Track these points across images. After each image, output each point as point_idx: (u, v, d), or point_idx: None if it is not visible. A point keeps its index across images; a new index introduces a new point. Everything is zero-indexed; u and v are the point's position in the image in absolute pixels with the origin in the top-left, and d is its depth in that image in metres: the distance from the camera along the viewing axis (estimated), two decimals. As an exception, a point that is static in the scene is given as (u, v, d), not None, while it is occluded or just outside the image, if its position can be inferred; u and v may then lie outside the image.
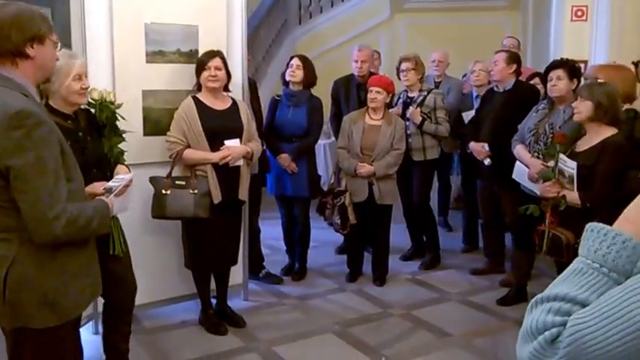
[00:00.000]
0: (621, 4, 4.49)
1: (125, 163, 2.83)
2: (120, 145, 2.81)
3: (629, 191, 3.02)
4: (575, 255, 2.64)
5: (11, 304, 1.76)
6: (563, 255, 3.00)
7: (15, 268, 1.75)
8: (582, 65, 4.34)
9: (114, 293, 2.66)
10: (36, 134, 1.67)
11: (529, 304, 0.81)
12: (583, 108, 2.99)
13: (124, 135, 2.85)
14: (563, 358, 0.71)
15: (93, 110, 2.79)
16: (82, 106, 2.72)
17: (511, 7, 8.03)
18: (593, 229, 0.81)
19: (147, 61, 3.41)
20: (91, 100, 2.79)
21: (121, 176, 2.47)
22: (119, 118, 2.83)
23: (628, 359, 0.67)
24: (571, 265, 0.80)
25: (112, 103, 2.82)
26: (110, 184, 2.28)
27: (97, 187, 2.28)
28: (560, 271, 2.86)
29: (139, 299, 3.49)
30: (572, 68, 3.60)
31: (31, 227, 1.71)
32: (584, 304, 0.73)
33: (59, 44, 1.91)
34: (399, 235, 5.07)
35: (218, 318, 3.59)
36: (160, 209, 3.27)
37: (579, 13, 5.00)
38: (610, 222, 2.69)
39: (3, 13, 1.73)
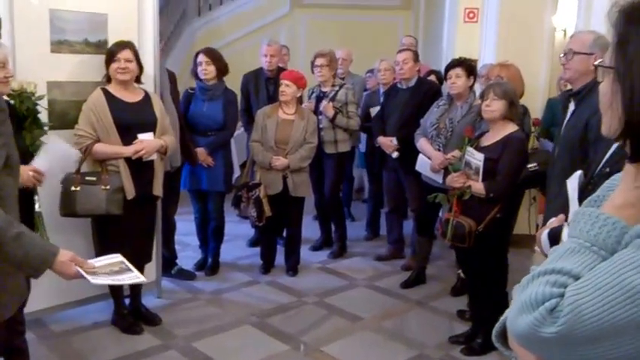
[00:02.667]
0: (509, 8, 4.86)
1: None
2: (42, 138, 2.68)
3: (521, 181, 3.35)
4: (477, 241, 2.86)
5: None
6: (466, 241, 3.21)
7: None
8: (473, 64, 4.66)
9: None
10: None
11: (523, 279, 0.87)
12: (497, 106, 3.18)
13: (45, 128, 2.71)
14: (562, 326, 0.77)
15: (12, 101, 2.63)
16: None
17: (404, 7, 8.41)
18: (584, 213, 0.87)
19: (52, 51, 3.23)
20: (10, 91, 2.63)
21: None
22: (39, 110, 2.69)
23: (619, 325, 0.75)
24: (564, 245, 0.87)
25: (34, 94, 2.67)
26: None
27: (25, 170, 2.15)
28: (458, 255, 3.11)
29: (46, 302, 3.35)
30: (469, 67, 3.87)
31: None
32: (577, 277, 0.81)
33: None
34: (308, 226, 5.20)
35: (133, 317, 3.50)
36: (69, 207, 3.13)
37: (471, 15, 5.35)
38: (508, 209, 2.95)
39: None
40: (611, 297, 0.75)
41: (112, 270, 1.84)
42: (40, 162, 2.61)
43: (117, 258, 1.91)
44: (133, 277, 1.88)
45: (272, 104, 4.40)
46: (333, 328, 3.64)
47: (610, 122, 0.89)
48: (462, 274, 4.03)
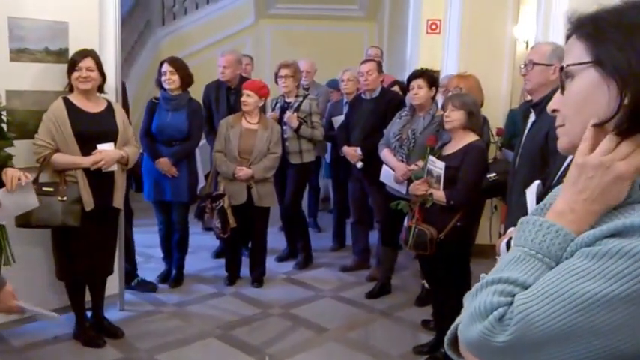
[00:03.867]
0: (471, 19, 4.94)
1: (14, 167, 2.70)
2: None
3: (482, 190, 3.41)
4: (438, 249, 2.90)
5: None
6: (427, 248, 3.25)
7: None
8: (435, 74, 4.74)
9: None
10: None
11: (473, 288, 0.88)
12: (456, 117, 3.24)
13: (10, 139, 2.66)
14: (512, 334, 0.79)
15: None
16: None
17: (368, 18, 8.51)
18: (528, 221, 0.89)
19: (10, 59, 3.16)
20: None
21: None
22: (4, 120, 2.63)
23: (568, 332, 0.77)
24: (508, 254, 0.89)
25: None
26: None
27: None
28: (422, 265, 3.14)
29: (5, 316, 3.24)
30: (431, 77, 3.91)
31: None
32: (524, 286, 0.82)
33: None
34: (273, 237, 5.18)
35: (95, 330, 3.43)
36: (24, 217, 3.04)
37: (433, 27, 5.44)
38: (469, 218, 3.00)
39: None
40: (559, 305, 0.77)
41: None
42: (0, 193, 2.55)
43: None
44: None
45: (235, 114, 4.38)
46: (299, 340, 3.62)
47: (573, 131, 0.90)
48: (426, 284, 4.07)
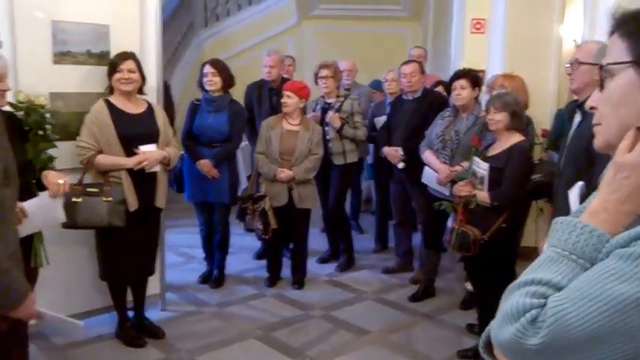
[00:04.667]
0: (516, 18, 4.83)
1: (55, 169, 2.73)
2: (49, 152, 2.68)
3: (527, 192, 3.31)
4: (482, 250, 2.83)
5: None
6: (471, 250, 3.19)
7: None
8: (480, 74, 4.64)
9: None
10: None
11: (507, 289, 0.87)
12: (499, 118, 3.19)
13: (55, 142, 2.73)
14: (545, 337, 0.77)
15: (19, 114, 2.64)
16: (5, 109, 2.58)
17: (412, 19, 8.38)
18: (562, 221, 0.88)
19: (54, 62, 3.23)
20: (15, 103, 2.62)
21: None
22: (46, 122, 2.68)
23: (602, 334, 0.75)
24: (543, 255, 0.87)
25: (43, 106, 2.66)
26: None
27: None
28: (466, 267, 3.06)
29: (49, 315, 3.31)
30: (474, 78, 3.83)
31: None
32: (557, 287, 0.81)
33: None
34: (315, 239, 5.15)
35: (136, 330, 3.46)
36: (70, 219, 3.07)
37: (478, 26, 5.33)
38: (514, 219, 2.90)
39: None
40: (593, 307, 0.76)
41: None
42: (29, 204, 2.57)
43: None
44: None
45: (276, 115, 4.37)
46: (339, 342, 3.57)
47: (608, 130, 0.89)
48: (470, 287, 3.96)
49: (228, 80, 4.15)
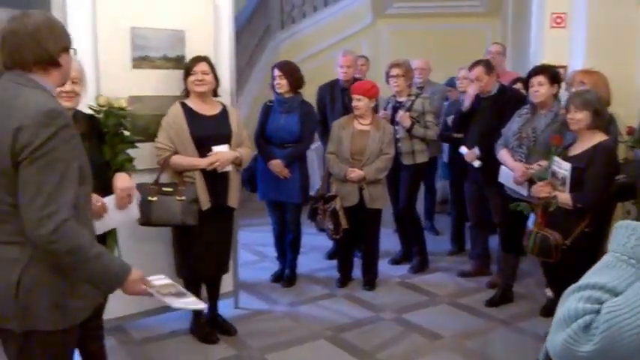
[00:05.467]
0: (599, 11, 4.58)
1: (135, 169, 2.85)
2: (129, 152, 2.80)
3: (611, 192, 3.11)
4: (564, 256, 2.70)
5: (23, 307, 1.75)
6: (551, 255, 3.05)
7: (28, 271, 1.74)
8: (562, 70, 4.43)
9: None
10: (61, 134, 1.68)
11: (563, 295, 0.83)
12: (580, 117, 3.06)
13: (135, 143, 2.86)
14: (598, 345, 0.73)
15: (100, 116, 2.77)
16: (87, 112, 2.73)
17: (491, 14, 8.11)
18: (622, 225, 0.84)
19: (133, 67, 3.36)
20: (95, 106, 2.77)
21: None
22: (125, 125, 2.81)
23: None
24: (601, 260, 0.83)
25: (122, 109, 2.79)
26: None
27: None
28: (546, 272, 2.92)
29: (128, 309, 3.47)
30: (552, 74, 3.69)
31: (23, 220, 1.68)
32: (614, 292, 0.77)
33: (76, 51, 1.97)
34: (388, 239, 5.09)
35: (209, 326, 3.54)
36: (145, 216, 3.20)
37: (558, 20, 5.10)
38: (598, 223, 2.74)
39: (39, 22, 1.78)
40: None
41: (171, 292, 1.91)
42: (107, 200, 2.67)
43: (166, 280, 1.97)
44: (194, 302, 1.98)
45: (347, 115, 4.36)
46: (411, 346, 3.50)
47: None
48: (549, 294, 3.77)
49: (295, 82, 4.18)
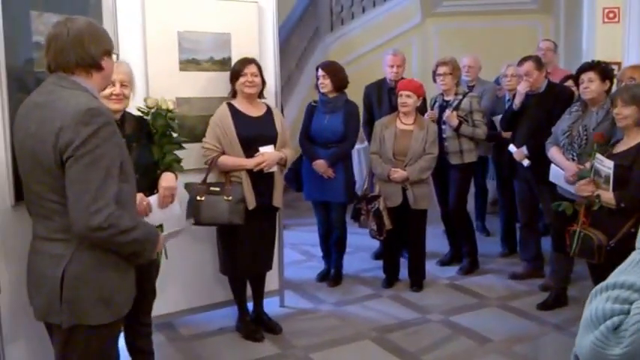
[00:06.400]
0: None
1: (183, 169, 2.95)
2: (177, 153, 2.88)
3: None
4: (609, 257, 2.59)
5: (68, 301, 1.82)
6: (594, 256, 2.96)
7: (72, 267, 1.81)
8: (616, 67, 4.27)
9: (137, 301, 2.62)
10: (102, 132, 1.75)
11: (590, 294, 0.80)
12: (627, 112, 2.96)
13: (183, 144, 2.94)
14: (629, 347, 0.69)
15: (148, 118, 2.86)
16: (136, 113, 2.83)
17: (542, 11, 7.91)
18: None
19: (180, 69, 3.45)
20: (143, 108, 2.86)
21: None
22: (172, 126, 2.89)
23: None
24: (629, 257, 0.80)
25: (170, 110, 2.88)
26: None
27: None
28: (592, 274, 2.79)
29: (177, 306, 3.57)
30: (603, 70, 3.58)
31: (71, 216, 1.75)
32: None
33: (118, 55, 2.08)
34: (437, 240, 5.01)
35: (255, 324, 3.59)
36: (194, 216, 3.28)
37: (611, 15, 4.95)
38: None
39: (82, 27, 1.86)
40: None
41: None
42: (152, 199, 2.75)
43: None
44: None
45: (390, 115, 4.33)
46: (458, 349, 3.43)
47: None
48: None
49: (339, 82, 4.18)
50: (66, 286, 1.81)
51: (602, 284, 0.78)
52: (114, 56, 1.97)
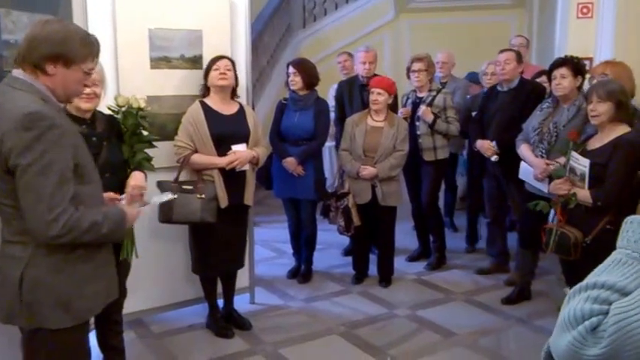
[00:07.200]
0: (626, 1, 4.46)
1: (153, 168, 2.92)
2: (148, 151, 2.87)
3: (634, 188, 3.03)
4: (584, 254, 2.62)
5: (27, 305, 1.82)
6: (571, 253, 3.00)
7: (29, 270, 1.81)
8: (587, 62, 4.32)
9: None
10: (46, 136, 1.71)
11: (567, 294, 0.80)
12: (603, 109, 2.95)
13: (154, 142, 2.92)
14: (607, 347, 0.69)
15: (118, 116, 2.84)
16: (106, 112, 2.81)
17: (517, 5, 7.99)
18: (632, 221, 0.80)
19: (151, 67, 3.43)
20: (113, 106, 2.84)
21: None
22: (143, 124, 2.86)
23: None
24: (610, 257, 0.79)
25: (141, 109, 2.85)
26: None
27: (105, 197, 2.34)
28: (565, 270, 2.85)
29: (148, 304, 3.58)
30: (576, 65, 3.58)
31: (29, 226, 1.74)
32: (623, 292, 0.73)
33: (92, 74, 1.99)
34: (406, 236, 5.09)
35: (225, 321, 3.61)
36: (166, 214, 3.28)
37: (585, 10, 4.96)
38: (620, 219, 2.67)
39: (44, 26, 1.80)
40: None
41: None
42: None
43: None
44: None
45: (361, 112, 4.36)
46: (424, 343, 3.50)
47: None
48: (568, 292, 3.71)
49: (309, 79, 4.17)
50: (25, 289, 1.80)
51: (582, 284, 0.78)
52: (85, 65, 1.87)
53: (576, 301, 0.76)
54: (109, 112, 2.87)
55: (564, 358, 0.75)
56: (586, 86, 3.73)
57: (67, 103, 2.22)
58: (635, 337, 0.68)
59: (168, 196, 2.65)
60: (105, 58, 3.18)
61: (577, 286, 0.78)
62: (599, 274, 0.77)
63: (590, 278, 0.78)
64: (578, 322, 0.73)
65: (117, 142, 2.78)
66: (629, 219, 0.81)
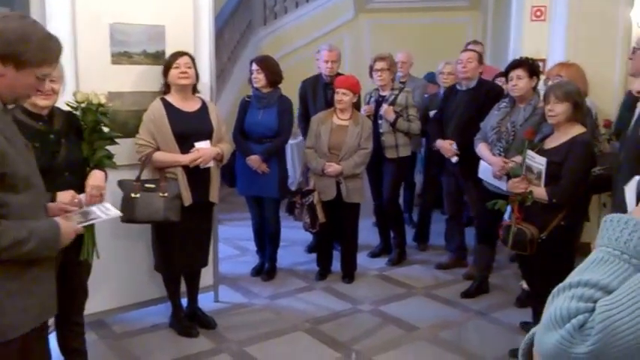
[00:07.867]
0: (578, 5, 4.62)
1: (115, 166, 2.84)
2: (109, 149, 2.79)
3: (588, 186, 3.16)
4: (539, 249, 2.69)
5: None
6: (527, 248, 3.09)
7: None
8: (541, 64, 4.47)
9: (68, 301, 2.51)
10: None
11: (552, 292, 0.80)
12: (560, 110, 3.03)
13: (115, 139, 2.84)
14: (595, 345, 0.70)
15: (77, 113, 2.75)
16: (65, 108, 2.72)
17: (472, 7, 8.18)
18: (612, 219, 0.81)
19: (112, 62, 3.36)
20: (72, 103, 2.75)
21: (103, 208, 2.37)
22: (103, 121, 2.78)
23: None
24: (591, 255, 0.81)
25: (102, 105, 2.78)
26: (86, 210, 2.27)
27: (65, 196, 2.26)
28: (521, 265, 2.93)
29: (109, 304, 3.51)
30: (531, 67, 3.68)
31: None
32: (607, 290, 0.74)
33: (46, 81, 1.86)
34: (368, 233, 5.15)
35: (189, 320, 3.57)
36: (129, 213, 3.18)
37: (538, 13, 5.11)
38: (573, 216, 2.78)
39: (0, 22, 1.68)
40: None
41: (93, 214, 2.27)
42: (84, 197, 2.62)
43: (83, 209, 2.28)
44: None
45: (326, 110, 4.39)
46: (387, 338, 3.56)
47: None
48: (524, 286, 3.85)
49: (272, 76, 4.16)
50: None
51: (565, 283, 0.79)
52: (40, 71, 1.74)
53: (561, 299, 0.76)
54: (68, 108, 2.79)
55: (552, 357, 0.76)
56: (541, 87, 3.86)
57: (14, 104, 2.01)
58: (621, 333, 0.69)
59: (111, 213, 2.39)
60: (64, 52, 3.11)
61: (560, 285, 0.79)
62: (583, 272, 0.78)
63: (574, 277, 0.79)
64: (564, 321, 0.74)
65: (76, 140, 2.69)
66: (608, 217, 0.82)
